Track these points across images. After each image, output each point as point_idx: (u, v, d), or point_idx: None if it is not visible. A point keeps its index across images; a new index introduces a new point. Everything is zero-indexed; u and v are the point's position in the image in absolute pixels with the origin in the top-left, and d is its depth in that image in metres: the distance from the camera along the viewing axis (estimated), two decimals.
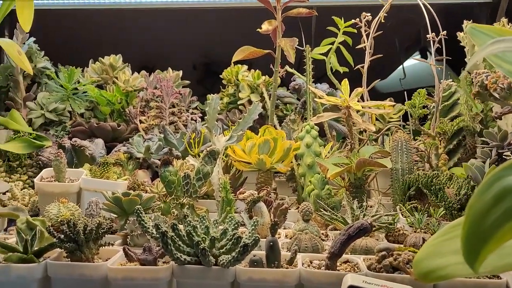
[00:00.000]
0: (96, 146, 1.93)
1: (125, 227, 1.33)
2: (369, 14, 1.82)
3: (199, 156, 1.85)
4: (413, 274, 0.86)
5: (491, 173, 0.56)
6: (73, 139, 1.87)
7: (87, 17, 2.71)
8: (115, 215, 1.38)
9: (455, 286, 1.01)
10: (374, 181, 1.84)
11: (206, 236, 1.11)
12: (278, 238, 1.37)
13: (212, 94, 2.38)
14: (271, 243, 1.09)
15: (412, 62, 2.95)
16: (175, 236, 1.07)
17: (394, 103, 1.86)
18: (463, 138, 1.78)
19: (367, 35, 1.81)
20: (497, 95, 1.35)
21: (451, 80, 1.85)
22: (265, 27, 1.79)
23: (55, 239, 1.12)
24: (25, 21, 2.23)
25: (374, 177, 1.83)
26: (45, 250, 1.14)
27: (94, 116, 2.34)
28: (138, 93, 2.24)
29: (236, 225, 1.15)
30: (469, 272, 0.71)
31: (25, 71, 2.22)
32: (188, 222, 1.13)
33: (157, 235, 1.14)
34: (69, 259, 1.14)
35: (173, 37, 2.75)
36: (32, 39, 2.37)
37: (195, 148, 1.88)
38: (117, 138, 2.07)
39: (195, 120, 2.14)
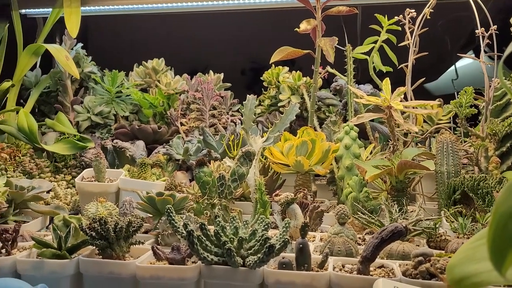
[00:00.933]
0: (137, 148, 1.96)
1: (157, 226, 1.33)
2: (413, 10, 1.74)
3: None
4: (446, 280, 0.79)
5: None
6: (115, 141, 1.91)
7: (132, 22, 2.79)
8: (149, 215, 1.39)
9: None
10: (419, 185, 1.75)
11: (234, 237, 1.09)
12: (313, 241, 1.33)
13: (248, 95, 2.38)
14: (301, 245, 1.05)
15: (465, 62, 2.80)
16: (203, 236, 1.06)
17: (442, 103, 1.76)
18: None
19: (411, 33, 1.73)
20: None
21: (504, 78, 1.73)
22: (304, 26, 1.75)
23: (86, 236, 1.14)
24: (73, 27, 2.33)
25: (419, 180, 1.74)
26: (78, 247, 1.16)
27: (138, 119, 2.39)
28: (180, 96, 2.27)
29: (266, 226, 1.12)
30: (502, 280, 0.65)
31: (72, 76, 2.31)
32: (217, 222, 1.11)
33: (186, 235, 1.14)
34: (100, 257, 1.15)
35: (214, 40, 2.77)
36: (80, 44, 2.46)
37: (233, 150, 1.87)
38: (158, 140, 2.10)
39: (235, 122, 2.13)
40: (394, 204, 1.34)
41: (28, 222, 1.46)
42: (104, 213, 1.46)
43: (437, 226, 1.24)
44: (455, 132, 1.99)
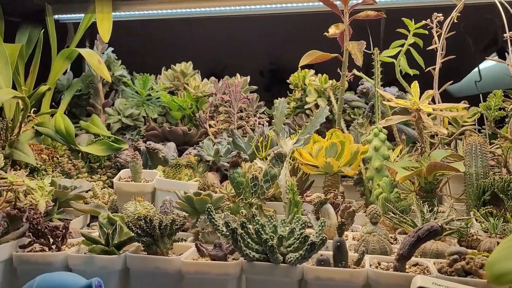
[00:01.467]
0: (168, 149, 2.03)
1: (196, 225, 1.39)
2: (441, 14, 1.77)
3: (266, 159, 1.88)
4: (486, 276, 0.83)
5: None
6: (148, 143, 1.98)
7: (158, 27, 2.86)
8: (187, 214, 1.44)
9: None
10: (446, 186, 1.78)
11: (274, 235, 1.14)
12: (345, 239, 1.37)
13: (279, 99, 2.43)
14: (338, 243, 1.10)
15: (489, 64, 2.81)
16: (244, 234, 1.11)
17: (468, 105, 1.79)
18: None
19: (439, 36, 1.76)
20: None
21: None
22: (332, 30, 1.80)
23: (133, 233, 1.20)
24: (105, 32, 2.41)
25: (446, 182, 1.77)
26: (124, 244, 1.22)
27: (166, 121, 2.46)
28: (208, 98, 2.33)
29: (303, 225, 1.17)
30: None
31: (104, 79, 2.39)
32: (257, 220, 1.17)
33: (227, 233, 1.19)
34: (145, 253, 1.21)
35: (237, 43, 2.83)
36: (111, 48, 2.54)
37: (262, 151, 1.93)
38: (187, 141, 2.17)
39: (262, 124, 2.19)
40: (426, 205, 1.37)
41: (71, 220, 1.53)
42: (143, 212, 1.52)
43: (469, 226, 1.27)
44: (480, 134, 2.01)
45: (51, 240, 1.25)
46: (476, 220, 1.39)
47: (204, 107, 2.29)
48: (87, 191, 1.70)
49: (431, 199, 1.58)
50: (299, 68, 2.31)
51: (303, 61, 1.86)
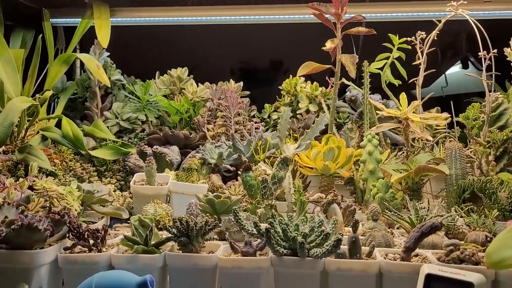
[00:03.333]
0: (173, 153, 2.16)
1: (219, 224, 1.54)
2: (424, 33, 1.99)
3: (264, 161, 2.06)
4: (485, 263, 1.04)
5: None
6: (154, 147, 2.10)
7: (150, 33, 2.96)
8: (208, 214, 1.59)
9: None
10: (427, 185, 2.01)
11: (297, 232, 1.32)
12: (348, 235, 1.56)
13: (268, 104, 2.60)
14: (353, 239, 1.29)
15: (453, 70, 3.12)
16: (274, 232, 1.28)
17: (448, 115, 2.03)
18: (508, 145, 1.94)
19: (422, 52, 1.99)
20: None
21: (498, 93, 2.00)
22: (329, 45, 1.98)
23: (170, 234, 1.34)
24: (103, 37, 2.50)
25: (427, 181, 2.00)
26: (161, 243, 1.36)
27: (161, 124, 2.58)
28: (205, 103, 2.47)
29: (320, 223, 1.35)
30: None
31: (101, 83, 2.48)
32: (280, 220, 1.34)
33: (254, 232, 1.36)
34: (180, 251, 1.36)
35: (227, 50, 2.99)
36: (107, 53, 2.62)
37: (260, 154, 2.09)
38: (188, 145, 2.30)
39: (258, 128, 2.35)
40: (417, 203, 1.59)
41: (96, 222, 1.64)
42: (162, 214, 1.66)
43: (455, 221, 1.50)
44: (450, 136, 2.25)
45: (91, 242, 1.37)
46: (458, 215, 1.62)
47: (202, 111, 2.43)
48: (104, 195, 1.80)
49: (416, 197, 1.81)
50: (290, 75, 2.49)
51: (301, 71, 2.04)
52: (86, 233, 1.36)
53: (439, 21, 1.98)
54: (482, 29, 1.92)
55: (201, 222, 1.34)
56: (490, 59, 1.86)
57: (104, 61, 2.57)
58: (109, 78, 2.57)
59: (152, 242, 1.36)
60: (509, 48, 2.01)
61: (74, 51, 2.68)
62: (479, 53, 1.85)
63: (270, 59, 3.05)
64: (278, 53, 3.00)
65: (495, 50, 1.85)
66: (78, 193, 1.57)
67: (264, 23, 2.70)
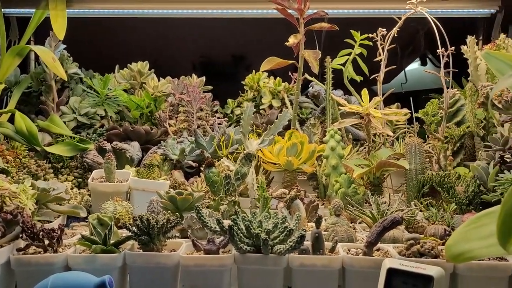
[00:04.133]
0: (133, 149, 2.10)
1: (181, 222, 1.51)
2: (385, 29, 2.02)
3: (227, 157, 2.03)
4: (445, 256, 1.06)
5: None
6: (114, 143, 2.04)
7: (109, 25, 2.87)
8: (169, 212, 1.56)
9: (472, 268, 1.22)
10: (387, 179, 2.05)
11: (261, 229, 1.30)
12: (311, 231, 1.57)
13: (231, 99, 2.58)
14: (317, 234, 1.29)
15: (412, 67, 3.19)
16: (237, 229, 1.26)
17: (408, 111, 2.06)
18: (464, 141, 2.00)
19: (383, 49, 2.01)
20: (500, 106, 1.56)
21: (456, 89, 2.05)
22: (292, 40, 1.98)
23: (130, 232, 1.30)
24: (59, 29, 2.40)
25: (388, 176, 2.03)
26: (121, 242, 1.32)
27: (121, 119, 2.51)
28: (166, 98, 2.41)
29: (284, 219, 1.34)
30: (491, 254, 0.92)
31: (57, 76, 2.38)
32: (243, 217, 1.32)
33: (217, 229, 1.34)
34: (141, 250, 1.32)
35: (189, 44, 2.94)
36: (63, 46, 2.52)
37: (223, 150, 2.07)
38: (149, 140, 2.25)
39: (221, 124, 2.32)
40: (379, 197, 1.61)
41: (52, 221, 1.58)
42: (122, 211, 1.62)
43: (415, 215, 1.53)
44: (409, 131, 2.30)
45: (46, 242, 1.31)
46: (417, 209, 1.65)
47: (164, 106, 2.38)
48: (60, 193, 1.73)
49: (378, 192, 1.84)
50: (253, 71, 2.47)
51: (264, 67, 2.02)
52: (40, 233, 1.31)
53: (399, 18, 2.01)
54: (440, 26, 1.96)
55: (162, 220, 1.31)
56: (447, 56, 1.90)
57: (61, 54, 2.46)
58: (66, 71, 2.47)
59: (111, 241, 1.32)
60: (466, 46, 2.07)
61: (28, 43, 2.56)
62: (437, 51, 1.89)
63: (234, 54, 3.02)
64: (242, 48, 2.98)
65: (453, 48, 1.89)
66: (32, 191, 1.50)
67: (228, 17, 2.68)
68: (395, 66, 2.08)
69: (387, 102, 2.46)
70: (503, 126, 1.66)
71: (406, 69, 3.13)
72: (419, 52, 3.16)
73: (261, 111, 2.42)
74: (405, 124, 2.44)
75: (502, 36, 1.99)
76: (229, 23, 2.81)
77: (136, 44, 2.93)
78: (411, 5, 1.95)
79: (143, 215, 1.30)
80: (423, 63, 3.24)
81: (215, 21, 2.79)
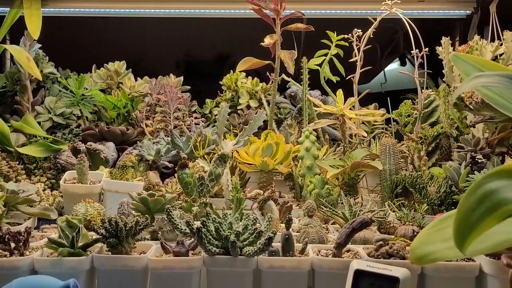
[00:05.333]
0: (108, 149, 2.08)
1: (152, 224, 1.50)
2: (360, 30, 2.03)
3: (204, 158, 2.02)
4: (410, 258, 1.07)
5: (476, 181, 0.77)
6: (88, 143, 2.01)
7: (86, 24, 2.85)
8: (141, 214, 1.54)
9: (439, 269, 1.23)
10: (363, 180, 2.05)
11: (230, 231, 1.30)
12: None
13: (210, 99, 2.57)
14: (287, 236, 1.29)
15: (391, 67, 3.21)
16: (206, 231, 1.25)
17: (384, 112, 2.07)
18: (440, 141, 2.02)
19: (358, 49, 2.02)
20: (472, 107, 1.57)
21: (430, 90, 2.07)
22: (268, 40, 1.97)
23: (98, 235, 1.28)
24: (34, 28, 2.36)
25: (363, 176, 2.04)
26: (89, 245, 1.30)
27: (98, 119, 2.48)
28: (144, 98, 2.39)
29: (254, 221, 1.34)
30: (453, 255, 0.93)
31: (32, 76, 2.35)
32: (214, 219, 1.31)
33: (187, 231, 1.33)
34: (109, 253, 1.30)
35: (167, 44, 2.92)
36: (38, 45, 2.48)
37: (200, 150, 2.06)
38: (125, 141, 2.22)
39: (198, 124, 2.31)
40: (351, 198, 1.62)
41: (21, 224, 1.55)
42: (94, 213, 1.60)
43: (386, 215, 1.53)
44: (387, 131, 2.32)
45: (13, 245, 1.29)
46: (390, 210, 1.66)
47: (140, 106, 2.36)
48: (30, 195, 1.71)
49: (353, 192, 1.84)
50: (231, 71, 2.47)
51: (240, 67, 2.02)
52: (6, 236, 1.28)
53: (375, 19, 2.01)
54: (414, 27, 1.97)
55: (131, 222, 1.30)
56: (422, 57, 1.91)
57: (36, 53, 2.43)
58: (41, 71, 2.44)
59: (79, 244, 1.30)
60: (441, 47, 2.09)
61: (3, 42, 2.52)
62: (411, 52, 1.91)
63: (214, 54, 3.01)
64: (222, 48, 2.97)
65: (427, 49, 1.90)
66: (0, 193, 1.47)
67: (210, 17, 2.66)
68: (371, 67, 2.08)
69: (366, 102, 2.48)
70: (474, 127, 1.67)
71: (386, 69, 3.15)
72: (398, 53, 3.18)
73: (239, 112, 2.42)
74: (383, 124, 2.45)
75: (476, 37, 2.01)
76: (211, 23, 2.80)
77: (115, 44, 2.91)
78: (386, 6, 1.96)
79: (112, 218, 1.29)
80: (403, 64, 3.27)
81: (196, 21, 2.78)
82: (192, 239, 1.31)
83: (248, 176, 2.04)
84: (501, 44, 1.97)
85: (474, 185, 0.76)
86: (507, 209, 0.71)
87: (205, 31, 2.87)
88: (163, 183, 1.98)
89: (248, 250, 1.23)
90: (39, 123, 2.34)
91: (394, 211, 1.65)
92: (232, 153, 1.93)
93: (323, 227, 1.58)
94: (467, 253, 0.77)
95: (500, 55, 1.95)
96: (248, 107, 2.40)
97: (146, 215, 1.50)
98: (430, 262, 0.98)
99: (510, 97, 1.03)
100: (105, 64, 2.52)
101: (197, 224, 1.31)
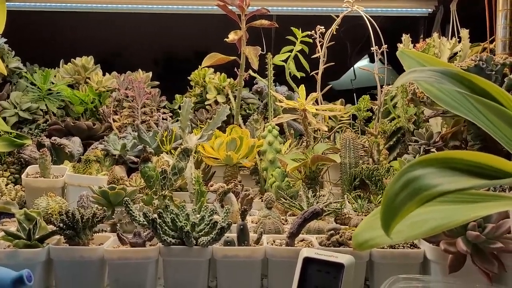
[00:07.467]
0: (73, 144, 2.08)
1: (113, 216, 1.52)
2: (323, 27, 2.07)
3: (171, 152, 2.05)
4: (352, 245, 1.11)
5: (402, 169, 0.81)
6: (53, 138, 2.02)
7: (52, 19, 2.84)
8: (102, 207, 1.56)
9: (386, 255, 1.28)
10: (327, 173, 2.10)
11: (187, 222, 1.33)
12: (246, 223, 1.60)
13: (179, 95, 2.59)
14: (241, 226, 1.32)
15: (361, 64, 3.27)
16: (162, 222, 1.28)
17: (344, 106, 2.11)
18: (402, 135, 2.08)
19: (321, 46, 2.06)
20: (426, 103, 1.63)
21: (390, 86, 2.13)
22: (232, 36, 2.00)
23: (56, 227, 1.30)
24: None
25: (327, 170, 2.09)
26: (46, 237, 1.32)
27: (66, 114, 2.48)
28: (111, 93, 2.40)
29: (211, 212, 1.37)
30: (388, 241, 0.97)
31: None
32: (171, 210, 1.34)
33: (145, 222, 1.35)
34: (67, 244, 1.32)
35: (136, 40, 2.93)
36: (4, 39, 2.47)
37: (167, 145, 2.08)
38: (92, 136, 2.23)
39: (165, 119, 2.33)
40: (310, 190, 1.66)
41: None
42: (55, 207, 1.61)
43: (342, 207, 1.58)
44: (354, 127, 2.38)
45: None
46: (348, 201, 1.71)
47: (108, 101, 2.37)
48: None
49: (315, 185, 1.89)
50: (199, 66, 2.49)
51: (205, 62, 2.04)
52: None
53: (337, 16, 2.06)
54: (375, 24, 2.02)
55: (88, 214, 1.32)
56: (382, 53, 1.97)
57: (1, 48, 2.42)
58: (7, 66, 2.43)
59: (36, 236, 1.31)
60: (402, 44, 2.14)
61: None
62: (371, 48, 1.96)
63: (184, 50, 3.03)
64: (193, 44, 2.99)
65: (386, 46, 1.96)
66: None
67: (178, 13, 2.68)
68: (334, 63, 2.12)
69: (335, 98, 2.54)
70: (428, 122, 1.73)
71: (356, 66, 3.21)
72: (368, 50, 3.25)
73: (207, 107, 2.44)
74: (349, 119, 2.51)
75: (435, 35, 2.07)
76: (179, 19, 2.82)
77: (85, 39, 2.90)
78: (347, 3, 2.00)
79: (69, 210, 1.31)
80: (372, 61, 3.33)
81: (168, 17, 2.80)
82: (149, 230, 1.34)
83: (214, 170, 2.07)
84: (459, 42, 2.04)
85: (399, 173, 0.80)
86: (427, 194, 0.76)
87: (177, 27, 2.89)
88: (129, 177, 2.00)
89: (203, 240, 1.27)
90: (4, 118, 2.33)
91: (352, 203, 1.70)
92: (197, 147, 1.95)
93: (282, 219, 1.62)
94: (395, 239, 0.82)
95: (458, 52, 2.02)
96: (216, 102, 2.43)
97: (105, 208, 1.51)
98: (369, 247, 1.03)
99: (448, 91, 1.08)
100: (72, 59, 2.52)
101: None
